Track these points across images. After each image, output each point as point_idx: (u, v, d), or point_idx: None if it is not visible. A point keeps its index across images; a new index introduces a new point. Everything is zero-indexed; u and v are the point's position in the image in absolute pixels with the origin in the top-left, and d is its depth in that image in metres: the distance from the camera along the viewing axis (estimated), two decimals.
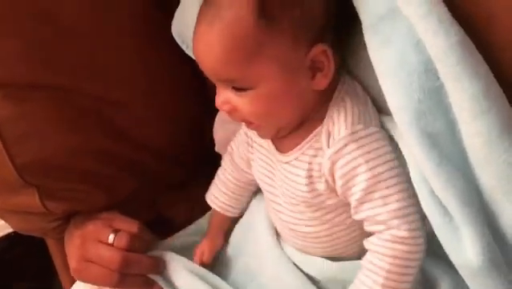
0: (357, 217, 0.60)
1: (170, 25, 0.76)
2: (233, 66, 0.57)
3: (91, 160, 0.77)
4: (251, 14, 0.55)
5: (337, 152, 0.59)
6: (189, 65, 0.73)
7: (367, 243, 0.59)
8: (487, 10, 0.52)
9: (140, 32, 0.79)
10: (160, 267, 0.74)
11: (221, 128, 0.80)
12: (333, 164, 0.59)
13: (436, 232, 0.57)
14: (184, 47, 0.75)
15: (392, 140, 0.60)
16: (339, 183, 0.59)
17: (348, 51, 0.63)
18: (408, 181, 0.58)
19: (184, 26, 0.74)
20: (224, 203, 0.77)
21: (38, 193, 0.73)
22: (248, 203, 0.79)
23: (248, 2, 0.55)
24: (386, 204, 0.57)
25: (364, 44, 0.58)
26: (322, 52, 0.58)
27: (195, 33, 0.60)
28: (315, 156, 0.62)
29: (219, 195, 0.77)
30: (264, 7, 0.56)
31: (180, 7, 0.75)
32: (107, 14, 0.74)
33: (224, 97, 0.61)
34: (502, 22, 0.52)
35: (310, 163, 0.62)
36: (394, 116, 0.56)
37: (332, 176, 0.60)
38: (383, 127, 0.61)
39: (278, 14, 0.56)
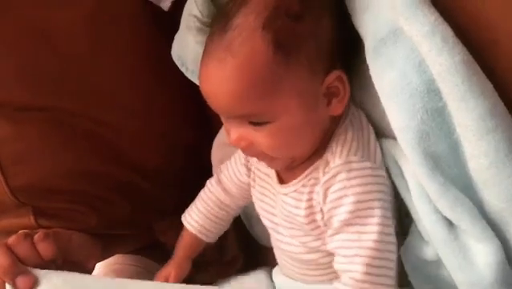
0: (329, 246, 0.59)
1: (169, 48, 0.76)
2: (251, 102, 0.56)
3: (86, 181, 0.76)
4: (268, 49, 0.55)
5: (329, 179, 0.58)
6: (188, 87, 0.73)
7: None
8: (491, 35, 0.52)
9: (137, 55, 0.79)
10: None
11: (219, 150, 0.79)
12: (326, 190, 0.59)
13: (440, 250, 0.56)
14: (183, 70, 0.74)
15: (395, 164, 0.60)
16: (326, 208, 0.59)
17: (351, 76, 0.62)
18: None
19: (183, 49, 0.73)
20: (202, 226, 0.74)
21: (33, 212, 0.72)
22: (224, 230, 0.77)
23: (263, 37, 0.55)
24: (359, 240, 0.56)
25: (366, 68, 0.58)
26: (337, 78, 0.58)
27: (203, 71, 0.58)
28: (315, 184, 0.61)
29: (198, 216, 0.75)
30: (280, 41, 0.55)
31: (179, 31, 0.74)
32: (105, 37, 0.74)
33: (239, 133, 0.59)
34: (505, 47, 0.52)
35: (310, 192, 0.61)
36: (397, 136, 0.56)
37: (325, 203, 0.59)
38: (386, 152, 0.61)
39: (294, 47, 0.56)
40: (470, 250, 0.54)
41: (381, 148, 0.61)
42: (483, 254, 0.53)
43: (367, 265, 0.55)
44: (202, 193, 0.76)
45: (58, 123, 0.72)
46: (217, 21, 0.59)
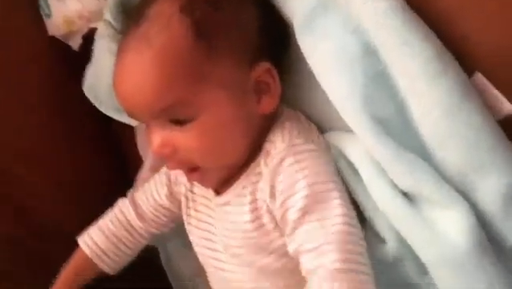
0: (291, 247, 0.50)
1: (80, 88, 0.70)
2: (174, 91, 0.50)
3: None
4: (187, 33, 0.50)
5: (275, 168, 0.51)
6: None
7: None
8: (461, 30, 0.49)
9: (47, 107, 0.73)
10: None
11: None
12: (273, 181, 0.51)
13: (404, 229, 0.49)
14: (97, 104, 0.69)
15: (341, 155, 0.54)
16: (278, 202, 0.51)
17: (284, 76, 0.57)
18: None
19: (97, 79, 0.68)
20: (99, 248, 0.63)
21: None
22: (125, 261, 0.66)
23: (181, 20, 0.50)
24: (323, 227, 0.48)
25: (299, 65, 0.54)
26: (266, 71, 0.53)
27: (118, 69, 0.52)
28: (257, 181, 0.54)
29: (97, 236, 0.64)
30: (200, 27, 0.50)
31: (92, 62, 0.69)
32: (8, 81, 0.68)
33: (162, 137, 0.52)
34: (474, 42, 0.49)
35: (253, 192, 0.54)
36: (341, 108, 0.51)
37: (274, 198, 0.51)
38: (332, 144, 0.55)
39: (215, 35, 0.51)
40: (437, 220, 0.47)
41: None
42: (453, 220, 0.46)
43: (341, 251, 0.46)
44: (110, 212, 0.66)
45: None
46: (131, 18, 0.54)
